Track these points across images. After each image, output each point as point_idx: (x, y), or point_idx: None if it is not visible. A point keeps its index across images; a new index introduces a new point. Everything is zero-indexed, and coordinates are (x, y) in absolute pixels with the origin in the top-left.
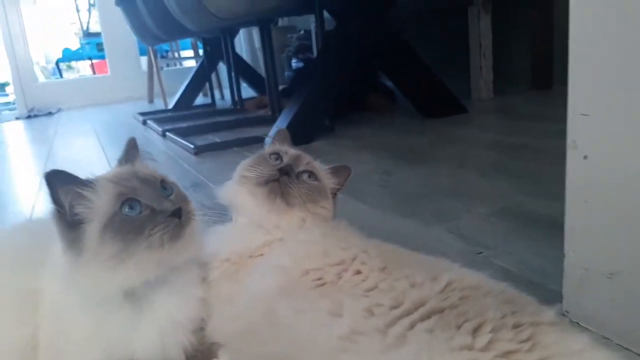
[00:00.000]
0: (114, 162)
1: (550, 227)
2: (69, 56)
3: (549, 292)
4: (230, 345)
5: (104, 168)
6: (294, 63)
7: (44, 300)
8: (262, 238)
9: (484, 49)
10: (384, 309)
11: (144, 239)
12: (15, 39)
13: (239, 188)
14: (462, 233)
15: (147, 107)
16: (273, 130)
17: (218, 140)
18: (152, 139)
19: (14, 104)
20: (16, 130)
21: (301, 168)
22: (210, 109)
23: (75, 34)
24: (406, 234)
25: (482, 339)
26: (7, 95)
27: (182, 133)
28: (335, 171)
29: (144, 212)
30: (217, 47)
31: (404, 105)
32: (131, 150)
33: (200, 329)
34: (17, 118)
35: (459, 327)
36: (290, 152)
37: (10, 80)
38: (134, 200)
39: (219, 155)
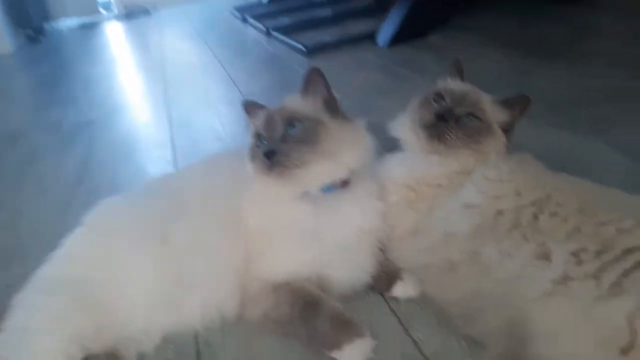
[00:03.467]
0: (226, 64)
1: None
2: None
3: None
4: (418, 274)
5: (216, 69)
6: None
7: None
8: (440, 169)
9: None
10: (590, 254)
11: (252, 166)
12: None
13: (406, 126)
14: (623, 147)
15: None
16: (385, 30)
17: (327, 38)
18: (254, 37)
19: (107, 1)
20: (120, 33)
21: (462, 110)
22: None
23: None
24: (566, 149)
25: None
26: None
27: (287, 31)
28: (510, 103)
29: (261, 146)
30: None
31: None
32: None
33: (383, 249)
34: (116, 18)
35: None
36: (455, 91)
37: None
38: (261, 135)
39: (331, 55)
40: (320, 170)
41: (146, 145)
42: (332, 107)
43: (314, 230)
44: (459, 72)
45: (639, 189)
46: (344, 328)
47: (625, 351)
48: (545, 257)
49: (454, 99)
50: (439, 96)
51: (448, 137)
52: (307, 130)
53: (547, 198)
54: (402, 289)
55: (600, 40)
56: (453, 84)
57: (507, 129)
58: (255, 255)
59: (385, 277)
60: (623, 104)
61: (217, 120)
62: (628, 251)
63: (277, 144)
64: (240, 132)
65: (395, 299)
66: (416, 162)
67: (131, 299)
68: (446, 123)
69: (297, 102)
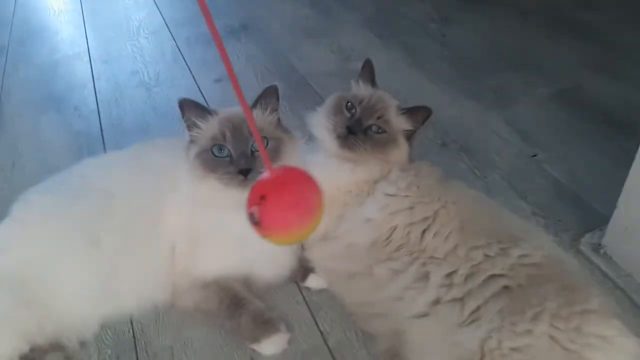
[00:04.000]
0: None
1: (604, 123)
2: None
3: (592, 214)
4: (325, 275)
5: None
6: None
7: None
8: (350, 176)
9: None
10: (461, 278)
11: (215, 177)
12: None
13: (323, 130)
14: (519, 126)
15: None
16: None
17: None
18: None
19: None
20: None
21: (370, 122)
22: None
23: None
24: (469, 122)
25: (540, 327)
26: None
27: None
28: (412, 112)
29: (226, 157)
30: None
31: None
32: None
33: (300, 249)
34: None
35: (523, 312)
36: (365, 99)
37: None
38: (224, 146)
39: None
40: None
41: (68, 85)
42: (282, 124)
43: (245, 235)
44: (370, 74)
45: (523, 174)
46: (263, 325)
47: None
48: (425, 278)
49: (363, 109)
50: (350, 104)
51: (357, 149)
52: (274, 148)
53: (434, 215)
54: (314, 281)
55: None
56: (364, 91)
57: (410, 137)
58: (183, 253)
59: (301, 269)
60: (526, 71)
61: (140, 59)
62: (490, 278)
63: (251, 162)
64: (163, 79)
65: (308, 288)
66: (330, 168)
67: (68, 294)
68: (355, 136)
69: (261, 118)
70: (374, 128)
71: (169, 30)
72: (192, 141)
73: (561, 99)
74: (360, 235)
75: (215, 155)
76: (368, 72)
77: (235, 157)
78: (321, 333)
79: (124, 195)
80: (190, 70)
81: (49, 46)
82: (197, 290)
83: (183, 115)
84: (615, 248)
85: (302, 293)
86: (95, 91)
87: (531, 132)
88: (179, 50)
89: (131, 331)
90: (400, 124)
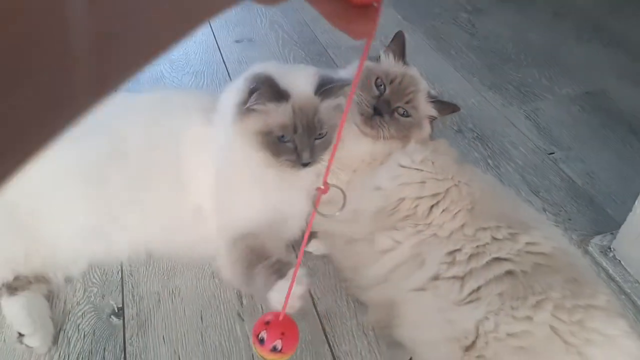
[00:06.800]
0: None
1: (628, 132)
2: None
3: (604, 217)
4: (325, 238)
5: None
6: None
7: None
8: (367, 148)
9: None
10: (464, 256)
11: (275, 160)
12: None
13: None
14: (539, 123)
15: None
16: None
17: None
18: None
19: None
20: None
21: (398, 104)
22: None
23: None
24: (485, 115)
25: (541, 316)
26: None
27: None
28: (441, 105)
29: (289, 143)
30: None
31: None
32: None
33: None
34: None
35: (525, 298)
36: (396, 79)
37: None
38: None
39: None
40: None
41: None
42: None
43: (280, 187)
44: (401, 48)
45: (538, 170)
46: (277, 272)
47: (467, 349)
48: (427, 252)
49: (392, 90)
50: (380, 80)
51: (381, 130)
52: (327, 138)
53: (445, 192)
54: (315, 246)
55: None
56: (395, 67)
57: (432, 121)
58: (216, 210)
59: (303, 233)
60: (553, 70)
61: None
62: (494, 260)
63: (314, 155)
64: None
65: (308, 253)
66: (348, 136)
67: (60, 228)
68: (381, 117)
69: (326, 110)
70: (400, 110)
71: None
72: (251, 109)
73: (585, 101)
74: (367, 203)
75: (279, 140)
76: (399, 46)
77: (300, 148)
78: (312, 298)
79: (138, 142)
80: (211, 27)
81: None
82: (235, 248)
83: (254, 90)
84: (625, 253)
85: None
86: None
87: (551, 130)
88: None
89: (120, 273)
90: (427, 110)
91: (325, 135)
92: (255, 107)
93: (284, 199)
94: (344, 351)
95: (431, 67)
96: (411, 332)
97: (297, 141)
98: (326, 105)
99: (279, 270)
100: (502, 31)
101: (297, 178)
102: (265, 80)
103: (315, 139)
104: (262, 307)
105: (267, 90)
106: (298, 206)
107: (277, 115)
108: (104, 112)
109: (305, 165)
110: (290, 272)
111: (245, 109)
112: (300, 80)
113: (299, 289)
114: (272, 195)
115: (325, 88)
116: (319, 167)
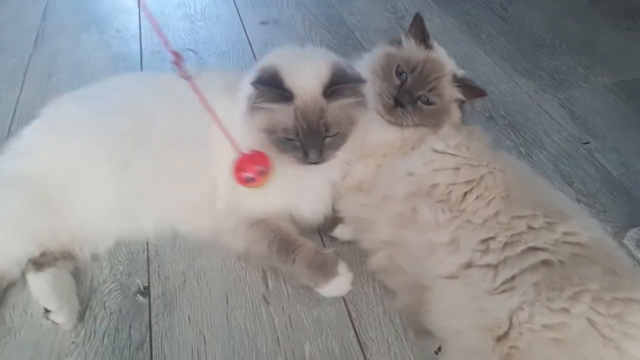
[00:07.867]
0: None
1: None
2: None
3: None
4: (352, 223)
5: None
6: None
7: None
8: (395, 135)
9: None
10: (498, 244)
11: (280, 155)
12: None
13: (370, 88)
14: (574, 111)
15: None
16: None
17: None
18: None
19: None
20: None
21: (420, 92)
22: None
23: None
24: (518, 102)
25: (579, 308)
26: None
27: None
28: (467, 89)
29: (296, 142)
30: None
31: None
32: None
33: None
34: None
35: (562, 289)
36: (418, 66)
37: None
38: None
39: None
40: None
41: (114, 7)
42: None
43: (294, 171)
44: (420, 31)
45: (572, 160)
46: (319, 271)
47: (499, 339)
48: (460, 239)
49: (414, 79)
50: (401, 68)
51: (403, 121)
52: (340, 136)
53: (480, 179)
54: (341, 232)
55: None
56: (416, 53)
57: (461, 105)
58: (228, 190)
59: (330, 219)
60: (589, 57)
61: None
62: (529, 250)
63: (321, 154)
64: (208, 14)
65: (334, 239)
66: (377, 123)
67: (88, 205)
68: (403, 108)
69: (338, 110)
70: (423, 99)
71: None
72: (258, 107)
73: (621, 90)
74: (398, 189)
75: (286, 139)
76: (419, 29)
77: (307, 148)
78: None
79: (165, 123)
80: (237, 8)
81: None
82: (244, 230)
83: (256, 85)
84: None
85: (323, 242)
86: (139, 17)
87: (586, 118)
88: None
89: (146, 252)
90: (453, 94)
91: (337, 134)
92: (260, 104)
93: (302, 188)
94: (370, 337)
95: (461, 51)
96: (441, 319)
97: (303, 141)
98: (338, 105)
99: (323, 266)
100: (535, 16)
101: (317, 169)
102: (270, 77)
103: (326, 137)
104: (287, 291)
105: (270, 90)
106: (319, 194)
107: (280, 116)
108: (129, 92)
109: (313, 162)
110: (343, 268)
111: (251, 105)
112: (308, 78)
113: (348, 277)
114: (287, 184)
115: (334, 88)
116: (341, 157)
